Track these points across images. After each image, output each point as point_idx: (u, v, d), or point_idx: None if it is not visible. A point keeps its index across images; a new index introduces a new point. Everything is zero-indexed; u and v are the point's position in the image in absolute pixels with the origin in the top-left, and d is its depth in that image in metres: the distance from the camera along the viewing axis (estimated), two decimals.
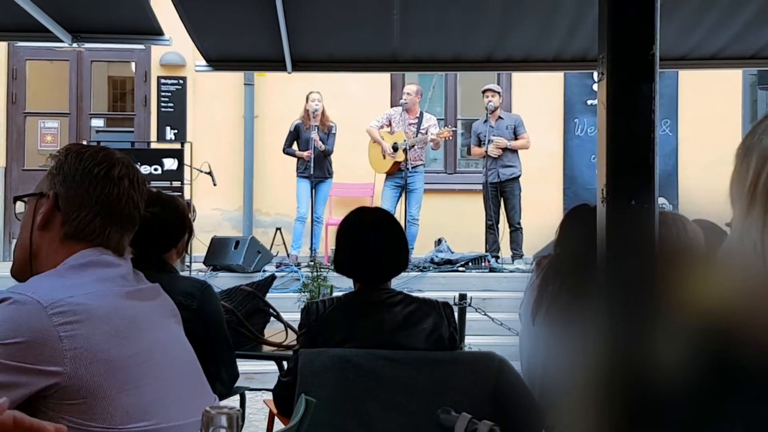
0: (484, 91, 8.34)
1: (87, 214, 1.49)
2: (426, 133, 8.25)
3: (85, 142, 8.67)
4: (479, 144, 8.34)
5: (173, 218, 2.68)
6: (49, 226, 1.50)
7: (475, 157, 8.62)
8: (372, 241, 2.40)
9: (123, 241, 1.55)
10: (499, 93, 8.36)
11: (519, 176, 8.26)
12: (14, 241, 8.88)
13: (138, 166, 1.61)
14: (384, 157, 8.30)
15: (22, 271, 1.53)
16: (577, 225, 2.57)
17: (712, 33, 3.83)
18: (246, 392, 3.98)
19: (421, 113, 8.38)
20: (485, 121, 8.30)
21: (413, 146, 8.20)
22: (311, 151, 8.12)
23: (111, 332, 1.39)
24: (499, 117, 8.34)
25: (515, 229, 8.24)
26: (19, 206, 1.59)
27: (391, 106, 8.58)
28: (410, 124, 8.29)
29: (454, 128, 9.00)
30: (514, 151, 8.27)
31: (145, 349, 1.45)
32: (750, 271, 0.71)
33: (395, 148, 8.21)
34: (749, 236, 0.72)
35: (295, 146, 8.39)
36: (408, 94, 8.32)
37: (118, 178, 1.52)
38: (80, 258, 1.47)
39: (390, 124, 8.39)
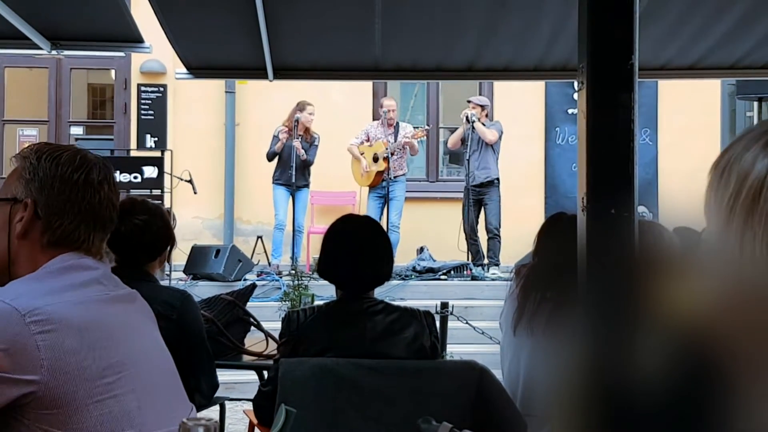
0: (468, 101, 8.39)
1: (70, 222, 1.48)
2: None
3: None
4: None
5: (161, 228, 2.66)
6: (29, 235, 1.48)
7: (452, 142, 8.55)
8: (357, 249, 2.39)
9: (103, 243, 1.55)
10: (482, 106, 8.35)
11: (495, 179, 8.24)
12: None
13: (116, 174, 1.60)
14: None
15: None
16: (554, 233, 2.59)
17: (690, 43, 3.87)
18: (226, 402, 3.96)
19: (397, 123, 8.49)
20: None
21: (393, 153, 8.26)
22: (283, 142, 8.10)
23: (89, 341, 1.38)
24: (483, 123, 8.35)
25: (492, 237, 8.24)
26: None
27: (373, 115, 8.58)
28: (389, 135, 8.36)
29: (427, 127, 9.05)
30: (488, 147, 8.21)
31: (123, 358, 1.43)
32: (726, 284, 0.72)
33: (375, 159, 8.26)
34: (726, 251, 0.72)
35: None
36: (391, 110, 8.39)
37: (98, 183, 1.51)
38: (60, 262, 1.45)
39: (368, 139, 8.46)
